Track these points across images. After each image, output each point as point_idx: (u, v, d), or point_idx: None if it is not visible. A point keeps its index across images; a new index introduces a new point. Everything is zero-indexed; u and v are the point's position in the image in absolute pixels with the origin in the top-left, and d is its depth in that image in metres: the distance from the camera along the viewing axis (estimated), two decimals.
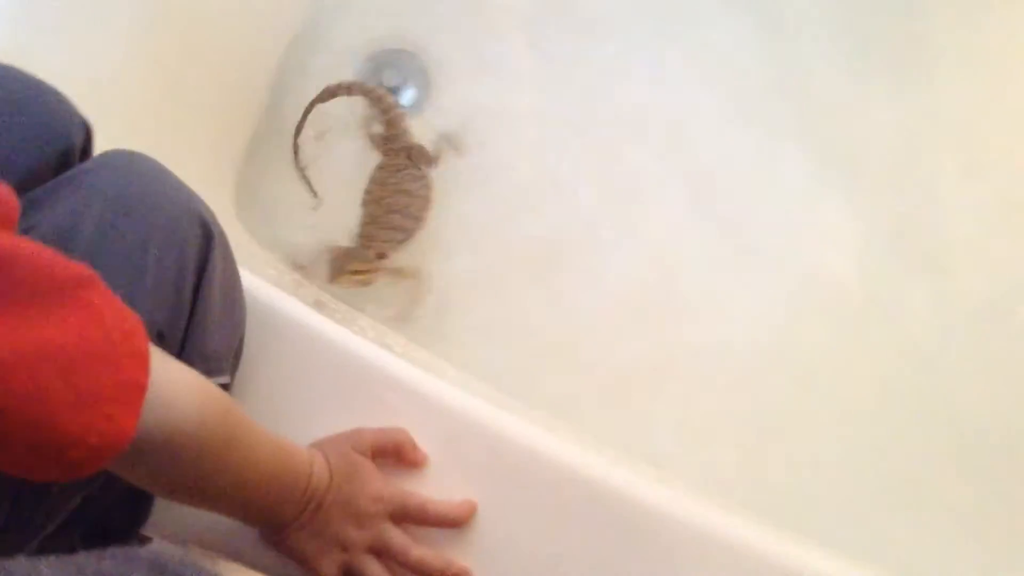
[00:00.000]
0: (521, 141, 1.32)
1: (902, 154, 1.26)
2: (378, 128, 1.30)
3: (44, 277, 0.45)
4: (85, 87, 0.72)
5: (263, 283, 0.76)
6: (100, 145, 0.74)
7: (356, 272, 1.14)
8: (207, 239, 0.66)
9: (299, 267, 1.19)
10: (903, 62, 1.30)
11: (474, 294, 1.22)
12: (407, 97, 1.36)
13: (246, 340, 0.73)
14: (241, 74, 1.29)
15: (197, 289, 0.65)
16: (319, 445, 0.69)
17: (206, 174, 1.19)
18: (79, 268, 0.47)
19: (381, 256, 1.18)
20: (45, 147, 0.67)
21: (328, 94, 1.29)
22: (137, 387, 0.48)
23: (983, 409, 1.11)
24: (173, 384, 0.52)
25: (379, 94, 1.28)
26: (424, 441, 0.72)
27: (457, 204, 1.27)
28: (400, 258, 1.22)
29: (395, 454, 0.71)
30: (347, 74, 1.37)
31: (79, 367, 0.45)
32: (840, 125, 1.29)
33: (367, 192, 1.24)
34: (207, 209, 0.68)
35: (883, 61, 1.31)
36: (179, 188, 0.66)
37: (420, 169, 1.25)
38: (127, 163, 0.64)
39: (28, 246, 0.45)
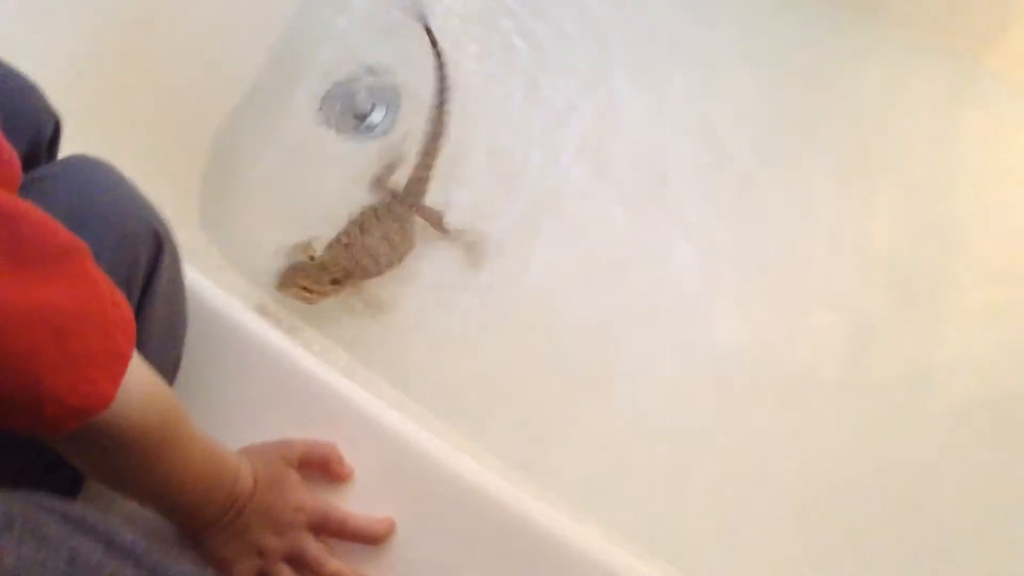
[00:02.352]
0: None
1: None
2: (388, 179, 1.30)
3: (48, 240, 0.47)
4: (55, 81, 0.74)
5: (210, 285, 0.77)
6: (67, 140, 0.75)
7: (305, 288, 1.13)
8: (157, 250, 0.67)
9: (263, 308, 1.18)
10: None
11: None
12: (376, 118, 1.38)
13: (191, 339, 0.74)
14: (213, 85, 1.31)
15: (142, 298, 0.66)
16: (247, 452, 0.70)
17: (169, 180, 1.20)
18: (75, 237, 0.49)
19: (335, 283, 1.16)
20: (14, 135, 0.68)
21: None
22: (121, 357, 0.50)
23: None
24: (136, 373, 0.54)
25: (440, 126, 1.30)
26: (352, 456, 0.73)
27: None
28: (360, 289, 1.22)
29: (322, 466, 0.72)
30: (321, 91, 1.39)
31: (72, 330, 0.46)
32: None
33: (353, 223, 1.22)
34: (160, 222, 0.69)
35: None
36: (134, 199, 0.67)
37: (413, 226, 1.25)
38: (88, 172, 0.66)
39: (33, 209, 0.47)
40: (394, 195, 1.26)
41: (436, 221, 1.27)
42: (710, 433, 1.14)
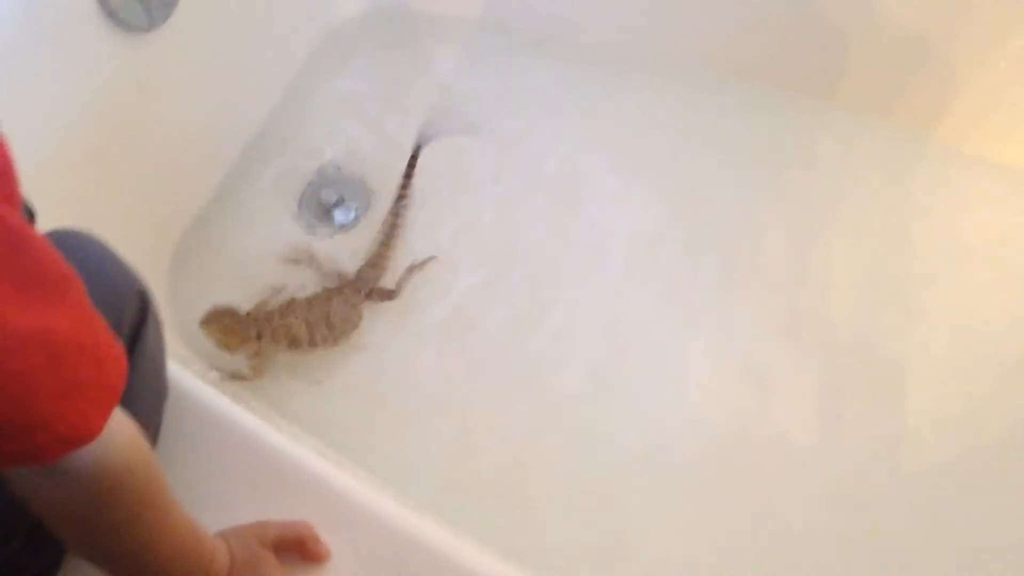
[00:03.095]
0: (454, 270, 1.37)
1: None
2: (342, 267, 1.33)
3: (52, 267, 0.47)
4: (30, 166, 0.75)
5: (182, 368, 0.78)
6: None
7: (224, 331, 1.14)
8: (143, 311, 0.68)
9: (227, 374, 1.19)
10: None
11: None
12: (342, 215, 1.41)
13: (165, 422, 0.74)
14: (188, 170, 1.35)
15: (128, 357, 0.66)
16: (224, 534, 0.70)
17: (141, 258, 1.21)
18: (71, 269, 0.49)
19: (258, 337, 1.17)
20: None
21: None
22: (113, 391, 0.50)
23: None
24: (119, 423, 0.54)
25: (337, 274, 1.32)
26: (329, 536, 0.73)
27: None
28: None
29: (298, 547, 0.72)
30: (293, 184, 1.43)
31: (68, 358, 0.46)
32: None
33: (297, 301, 1.24)
34: (144, 286, 0.70)
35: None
36: (118, 263, 0.69)
37: (360, 312, 1.27)
38: (71, 240, 0.67)
39: (37, 234, 0.47)
40: (345, 281, 1.30)
41: (386, 295, 1.31)
42: (679, 502, 1.15)
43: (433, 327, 1.30)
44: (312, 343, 1.21)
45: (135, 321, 0.68)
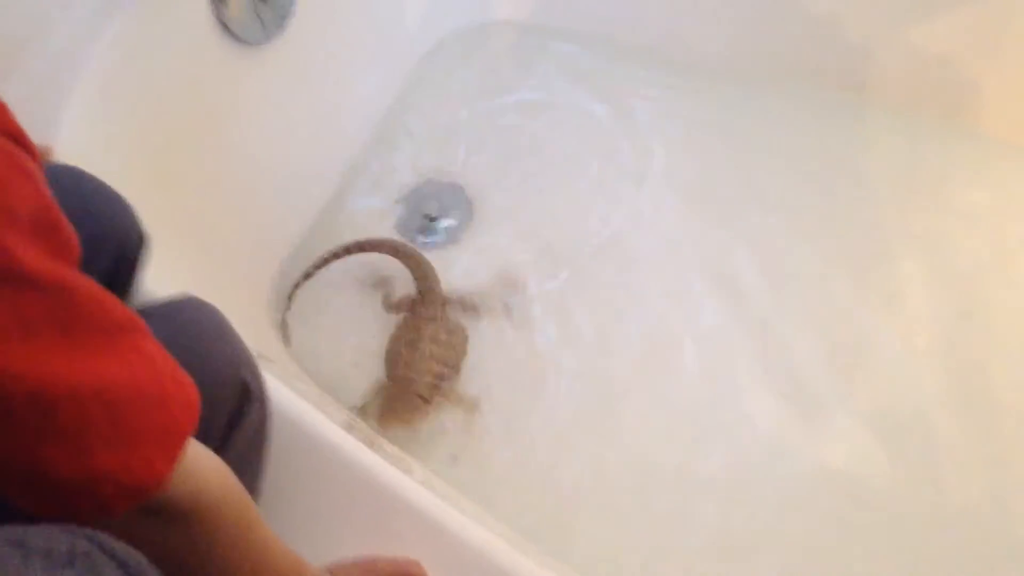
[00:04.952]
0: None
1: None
2: (392, 294, 1.31)
3: (103, 314, 0.46)
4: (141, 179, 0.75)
5: (294, 396, 0.76)
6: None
7: (404, 415, 1.13)
8: (243, 401, 0.67)
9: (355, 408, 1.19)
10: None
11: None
12: (445, 226, 1.40)
13: (273, 451, 0.73)
14: (299, 182, 1.35)
15: (223, 445, 0.65)
16: (331, 568, 0.68)
17: (246, 275, 1.22)
18: (134, 315, 0.48)
19: (424, 400, 1.16)
20: (102, 250, 0.70)
21: (356, 248, 1.31)
22: (180, 434, 0.49)
23: None
24: (202, 459, 0.52)
25: (409, 252, 1.31)
26: (438, 574, 0.70)
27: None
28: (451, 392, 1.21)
29: None
30: (393, 201, 1.42)
31: (125, 406, 0.45)
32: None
33: (394, 340, 1.23)
34: (255, 375, 0.69)
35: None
36: (232, 346, 0.67)
37: (453, 320, 1.26)
38: (192, 316, 0.66)
39: (90, 283, 0.46)
40: (414, 302, 1.27)
41: (468, 307, 1.29)
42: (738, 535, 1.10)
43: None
44: (451, 367, 1.20)
45: (233, 412, 0.66)
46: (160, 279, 0.80)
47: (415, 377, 1.16)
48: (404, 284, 1.31)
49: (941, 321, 1.27)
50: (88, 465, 0.44)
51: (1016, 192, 1.39)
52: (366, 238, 1.32)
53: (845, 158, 1.46)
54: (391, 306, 1.29)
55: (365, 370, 1.23)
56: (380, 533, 0.72)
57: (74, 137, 0.91)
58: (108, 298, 0.47)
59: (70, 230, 0.48)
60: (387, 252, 1.32)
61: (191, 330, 0.65)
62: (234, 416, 0.66)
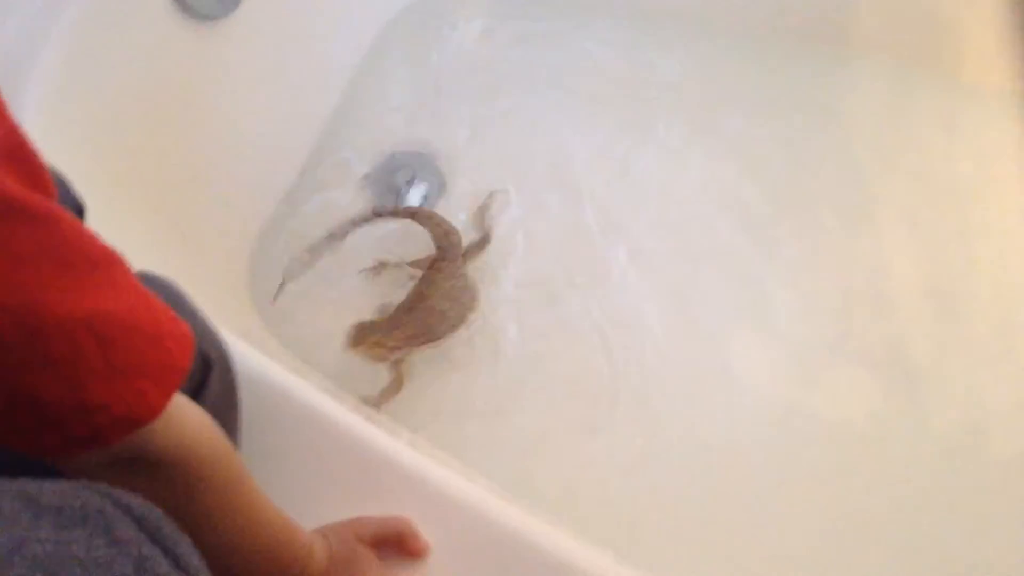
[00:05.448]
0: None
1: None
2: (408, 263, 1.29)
3: (92, 246, 0.46)
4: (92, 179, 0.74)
5: (273, 364, 0.77)
6: (108, 221, 0.76)
7: (377, 343, 1.11)
8: (204, 372, 0.67)
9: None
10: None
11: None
12: (417, 194, 1.40)
13: (255, 420, 0.73)
14: (259, 168, 1.34)
15: None
16: (322, 530, 0.69)
17: (221, 251, 1.21)
18: (115, 251, 0.48)
19: (411, 338, 1.15)
20: None
21: (373, 214, 1.30)
22: (176, 369, 0.49)
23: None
24: (190, 410, 0.53)
25: (427, 214, 1.30)
26: (428, 531, 0.71)
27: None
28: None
29: (397, 543, 0.71)
30: (361, 173, 1.42)
31: (120, 339, 0.45)
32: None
33: (412, 294, 1.21)
34: (217, 348, 0.69)
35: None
36: (188, 319, 0.67)
37: (466, 278, 1.25)
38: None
39: (72, 216, 0.46)
40: (434, 258, 1.26)
41: (481, 245, 1.29)
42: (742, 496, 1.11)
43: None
44: (451, 325, 1.19)
45: (192, 383, 0.66)
46: (129, 256, 0.80)
47: (407, 320, 1.16)
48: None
49: (924, 255, 1.29)
50: (80, 395, 0.44)
51: (994, 136, 1.38)
52: (380, 205, 1.32)
53: (828, 110, 1.45)
54: (414, 266, 1.28)
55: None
56: (369, 494, 0.73)
57: (34, 120, 0.90)
58: (91, 232, 0.47)
59: (43, 165, 0.47)
60: (404, 217, 1.31)
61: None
62: (196, 389, 0.66)
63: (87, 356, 0.44)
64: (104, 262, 0.46)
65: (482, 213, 1.34)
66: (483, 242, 1.30)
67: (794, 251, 1.31)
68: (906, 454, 1.12)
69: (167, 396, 0.48)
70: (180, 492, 0.54)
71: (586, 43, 1.58)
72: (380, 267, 1.31)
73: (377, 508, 0.71)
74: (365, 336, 1.12)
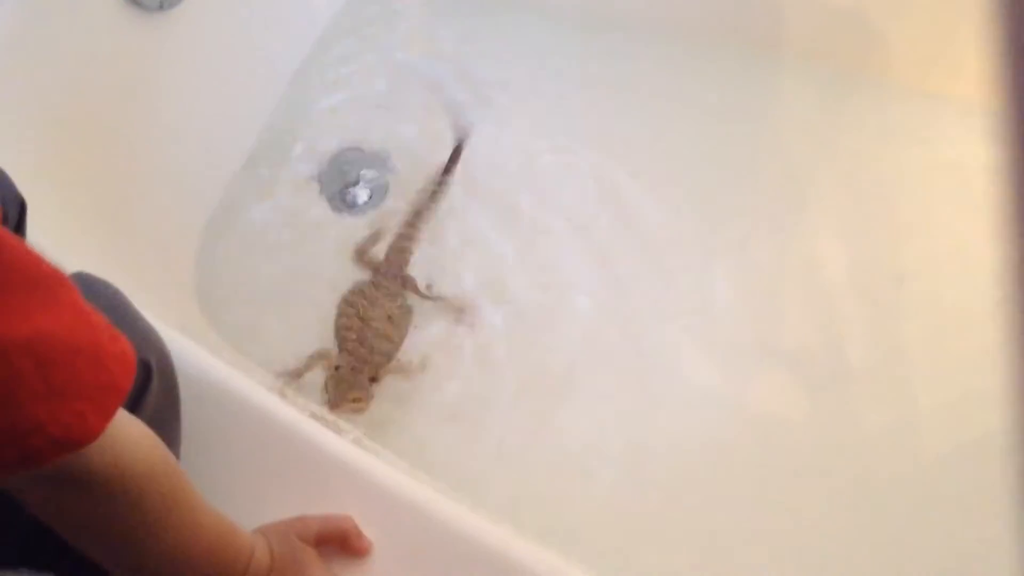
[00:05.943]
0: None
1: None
2: (373, 254, 1.29)
3: (34, 267, 0.45)
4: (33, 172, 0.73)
5: (216, 361, 0.76)
6: (51, 216, 0.75)
7: (356, 399, 1.12)
8: (145, 380, 0.66)
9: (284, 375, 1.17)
10: None
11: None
12: (363, 195, 1.39)
13: (196, 418, 0.72)
14: (203, 162, 1.32)
15: None
16: (263, 530, 0.68)
17: (166, 246, 1.19)
18: (59, 271, 0.47)
19: (374, 380, 1.15)
20: None
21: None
22: (116, 390, 0.48)
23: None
24: (127, 426, 0.52)
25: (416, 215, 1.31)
26: (370, 529, 0.71)
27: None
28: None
29: (340, 541, 0.70)
30: (308, 167, 1.40)
31: (59, 360, 0.45)
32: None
33: (349, 306, 1.20)
34: (159, 352, 0.68)
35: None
36: (129, 325, 0.66)
37: (405, 297, 1.24)
38: (86, 295, 0.65)
39: (12, 236, 0.45)
40: (377, 268, 1.26)
41: (418, 288, 1.27)
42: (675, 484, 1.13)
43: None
44: (397, 345, 1.20)
45: (135, 388, 0.65)
46: (70, 255, 0.78)
47: (366, 356, 1.15)
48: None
49: (855, 257, 1.32)
50: (17, 416, 0.44)
51: (926, 137, 1.43)
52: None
53: (758, 113, 1.48)
54: (360, 258, 1.28)
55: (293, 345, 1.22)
56: (312, 493, 0.73)
57: None
58: (34, 252, 0.46)
59: None
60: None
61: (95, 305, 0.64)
62: (135, 396, 0.65)
63: (25, 378, 0.43)
64: (45, 282, 0.46)
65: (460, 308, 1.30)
66: (425, 295, 1.28)
67: (728, 252, 1.34)
68: (837, 452, 1.15)
69: (106, 418, 0.48)
70: (117, 507, 0.53)
71: (531, 40, 1.59)
72: (376, 236, 1.31)
73: (320, 506, 0.71)
74: (344, 394, 1.11)
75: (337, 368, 1.14)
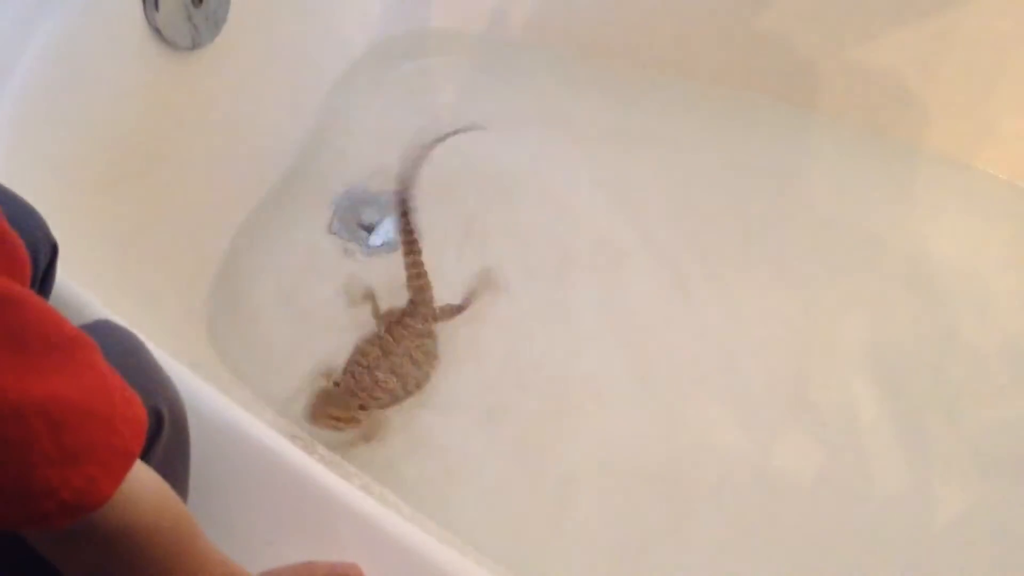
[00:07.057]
0: None
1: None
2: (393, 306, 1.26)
3: (55, 329, 0.46)
4: (56, 202, 0.74)
5: (227, 402, 0.76)
6: (79, 256, 0.75)
7: (335, 418, 1.10)
8: (156, 428, 0.66)
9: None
10: None
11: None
12: (382, 235, 1.40)
13: (207, 459, 0.72)
14: (229, 189, 1.34)
15: None
16: (269, 574, 0.68)
17: (176, 297, 1.20)
18: (83, 333, 0.48)
19: (363, 408, 1.12)
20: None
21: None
22: (126, 454, 0.48)
23: None
24: (134, 480, 0.52)
25: (416, 254, 1.28)
26: None
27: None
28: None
29: None
30: (326, 208, 1.42)
31: (72, 423, 0.45)
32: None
33: (376, 338, 1.19)
34: (173, 401, 0.68)
35: None
36: (148, 373, 0.66)
37: (434, 344, 1.22)
38: (105, 343, 0.65)
39: (39, 300, 0.46)
40: (404, 312, 1.22)
41: (455, 311, 1.27)
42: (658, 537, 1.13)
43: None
44: (407, 391, 1.17)
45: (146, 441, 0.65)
46: (86, 286, 0.79)
47: (369, 385, 1.13)
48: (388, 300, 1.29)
49: (871, 320, 1.32)
50: (29, 478, 0.44)
51: (952, 207, 1.44)
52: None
53: (786, 167, 1.49)
54: (377, 315, 1.26)
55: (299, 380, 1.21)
56: (320, 538, 0.72)
57: (1, 150, 0.89)
58: (58, 314, 0.47)
59: (15, 242, 0.47)
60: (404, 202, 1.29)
61: (109, 356, 0.65)
62: (146, 445, 0.65)
63: (38, 441, 0.43)
64: (64, 344, 0.46)
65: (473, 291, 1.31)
66: (460, 309, 1.28)
67: (750, 309, 1.34)
68: (849, 511, 1.15)
69: (117, 483, 0.48)
70: (122, 559, 0.53)
71: (563, 81, 1.61)
72: (365, 297, 1.29)
73: (327, 553, 0.70)
74: (325, 409, 1.10)
75: (336, 384, 1.14)
